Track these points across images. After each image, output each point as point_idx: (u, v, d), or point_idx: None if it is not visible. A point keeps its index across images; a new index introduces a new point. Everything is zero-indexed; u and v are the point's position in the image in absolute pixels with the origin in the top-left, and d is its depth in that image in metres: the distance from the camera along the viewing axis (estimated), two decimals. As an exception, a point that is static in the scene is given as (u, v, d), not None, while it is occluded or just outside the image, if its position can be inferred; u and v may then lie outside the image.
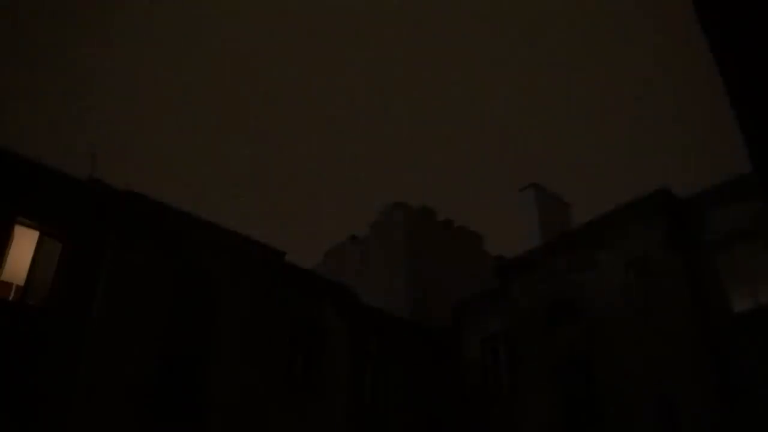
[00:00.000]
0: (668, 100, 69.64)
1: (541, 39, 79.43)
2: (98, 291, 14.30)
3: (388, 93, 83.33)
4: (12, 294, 13.37)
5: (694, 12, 3.58)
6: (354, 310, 19.35)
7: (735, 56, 3.61)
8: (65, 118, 66.14)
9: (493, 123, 79.49)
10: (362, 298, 19.89)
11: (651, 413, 14.48)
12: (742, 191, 14.28)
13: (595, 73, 75.15)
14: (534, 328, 17.89)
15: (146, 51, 71.63)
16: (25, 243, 13.77)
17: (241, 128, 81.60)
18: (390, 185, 71.63)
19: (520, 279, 18.93)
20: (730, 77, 3.66)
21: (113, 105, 71.85)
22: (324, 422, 17.15)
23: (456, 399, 19.93)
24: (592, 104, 75.50)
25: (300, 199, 78.73)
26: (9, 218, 13.56)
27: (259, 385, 16.07)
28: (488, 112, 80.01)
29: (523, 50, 79.06)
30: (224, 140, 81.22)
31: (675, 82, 66.09)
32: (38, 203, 14.07)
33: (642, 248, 15.93)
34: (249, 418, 15.47)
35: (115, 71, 72.88)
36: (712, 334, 14.23)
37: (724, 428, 13.26)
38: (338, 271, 25.37)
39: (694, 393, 13.94)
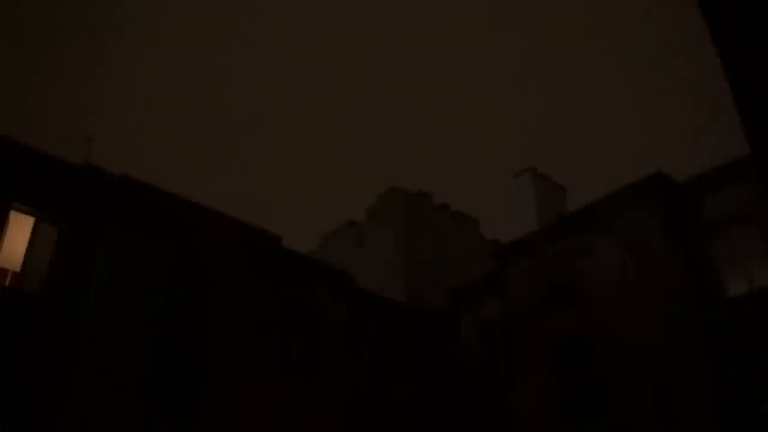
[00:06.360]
0: (665, 84, 69.48)
1: (537, 23, 79.05)
2: (95, 277, 14.27)
3: (383, 78, 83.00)
4: (8, 280, 13.34)
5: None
6: (351, 294, 19.38)
7: (733, 39, 3.58)
8: (60, 104, 65.72)
9: (489, 108, 79.33)
10: (359, 283, 19.91)
11: (646, 396, 14.57)
12: (737, 175, 14.28)
13: (591, 58, 74.89)
14: (530, 312, 17.94)
15: (142, 37, 71.05)
16: (20, 229, 13.70)
17: (237, 114, 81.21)
18: (387, 170, 71.52)
19: (516, 263, 18.95)
20: (729, 61, 3.63)
21: (109, 91, 71.40)
22: (321, 406, 17.23)
23: (453, 382, 20.03)
24: (588, 88, 75.31)
25: (297, 184, 78.63)
26: (4, 204, 13.48)
27: (255, 370, 16.12)
28: (484, 96, 79.78)
29: (519, 34, 78.68)
30: (221, 126, 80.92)
31: (672, 66, 65.91)
32: (34, 189, 13.99)
33: (638, 232, 15.95)
34: (246, 403, 15.53)
35: (110, 57, 72.29)
36: (708, 318, 14.29)
37: (719, 411, 13.37)
38: (335, 255, 25.39)
39: (689, 376, 14.02)
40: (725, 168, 14.94)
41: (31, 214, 13.94)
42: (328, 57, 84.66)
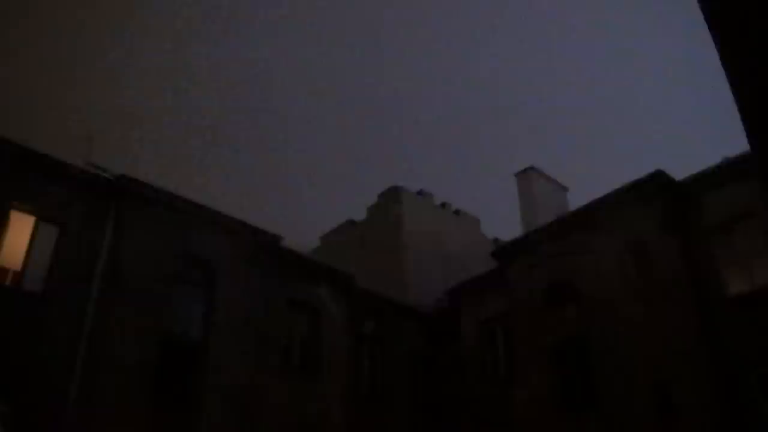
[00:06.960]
0: (665, 83, 69.49)
1: (537, 22, 79.05)
2: (95, 276, 14.26)
3: (383, 76, 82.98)
4: (8, 280, 13.34)
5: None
6: (351, 293, 19.37)
7: (733, 39, 3.57)
8: (61, 104, 65.70)
9: (489, 106, 79.27)
10: (359, 282, 19.90)
11: (646, 394, 14.57)
12: (737, 173, 14.26)
13: (592, 57, 74.86)
14: (531, 311, 17.94)
15: (142, 37, 71.02)
16: (20, 228, 13.69)
17: (237, 113, 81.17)
18: (387, 168, 71.41)
19: (517, 262, 18.95)
20: (729, 61, 3.63)
21: (110, 90, 71.37)
22: (322, 406, 17.23)
23: (454, 381, 20.04)
24: (588, 88, 75.27)
25: (297, 183, 78.60)
26: (4, 204, 13.48)
27: (255, 370, 16.11)
28: (485, 95, 79.76)
29: (519, 33, 78.68)
30: (220, 125, 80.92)
31: (672, 65, 65.87)
32: (34, 189, 13.98)
33: (639, 231, 15.94)
34: (247, 403, 15.53)
35: (111, 57, 72.30)
36: (708, 317, 14.28)
37: (719, 410, 13.36)
38: (335, 255, 25.37)
39: (689, 375, 14.02)
40: (725, 167, 14.93)
41: (31, 214, 13.94)
42: (328, 56, 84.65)
